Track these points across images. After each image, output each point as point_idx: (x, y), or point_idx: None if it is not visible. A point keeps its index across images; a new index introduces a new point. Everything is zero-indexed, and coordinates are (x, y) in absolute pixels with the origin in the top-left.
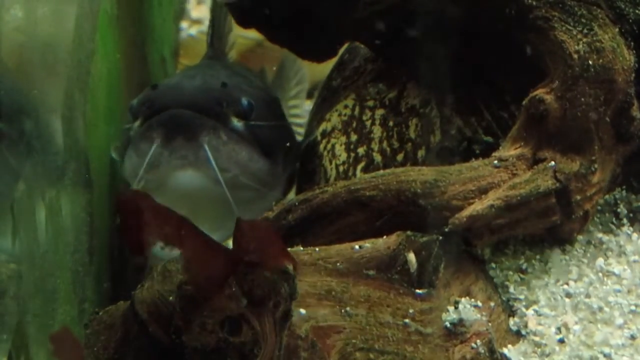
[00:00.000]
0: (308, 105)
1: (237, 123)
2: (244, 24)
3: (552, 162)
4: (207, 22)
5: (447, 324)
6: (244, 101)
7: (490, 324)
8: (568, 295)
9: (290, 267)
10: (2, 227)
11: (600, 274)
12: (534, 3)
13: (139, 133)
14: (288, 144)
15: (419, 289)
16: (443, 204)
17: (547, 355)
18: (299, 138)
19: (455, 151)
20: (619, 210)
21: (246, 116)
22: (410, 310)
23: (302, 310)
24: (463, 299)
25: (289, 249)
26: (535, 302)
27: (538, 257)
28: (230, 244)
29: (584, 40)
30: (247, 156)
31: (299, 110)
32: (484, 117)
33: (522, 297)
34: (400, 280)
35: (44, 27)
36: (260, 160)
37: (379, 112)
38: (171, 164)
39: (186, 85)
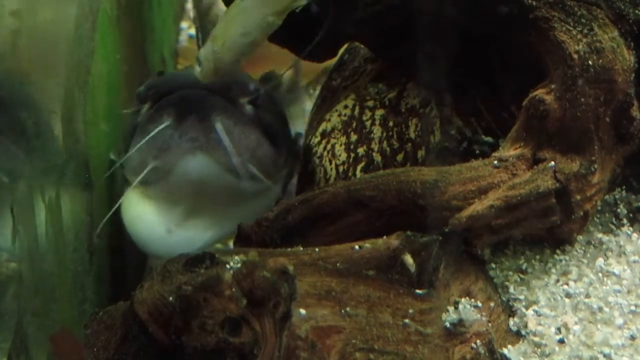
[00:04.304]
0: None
1: (246, 105)
2: None
3: (552, 163)
4: None
5: (447, 324)
6: (252, 86)
7: (490, 324)
8: (568, 295)
9: (291, 267)
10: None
11: (600, 274)
12: (534, 3)
13: (147, 115)
14: (289, 138)
15: (419, 289)
16: (443, 204)
17: (547, 356)
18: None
19: (455, 151)
20: (619, 210)
21: (253, 101)
22: (410, 311)
23: (302, 311)
24: (463, 299)
25: (289, 249)
26: (535, 302)
27: (538, 257)
28: (231, 244)
29: (584, 40)
30: (255, 140)
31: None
32: (484, 117)
33: (522, 297)
34: (400, 281)
35: (44, 26)
36: (266, 146)
37: (379, 112)
38: (181, 147)
39: (192, 72)
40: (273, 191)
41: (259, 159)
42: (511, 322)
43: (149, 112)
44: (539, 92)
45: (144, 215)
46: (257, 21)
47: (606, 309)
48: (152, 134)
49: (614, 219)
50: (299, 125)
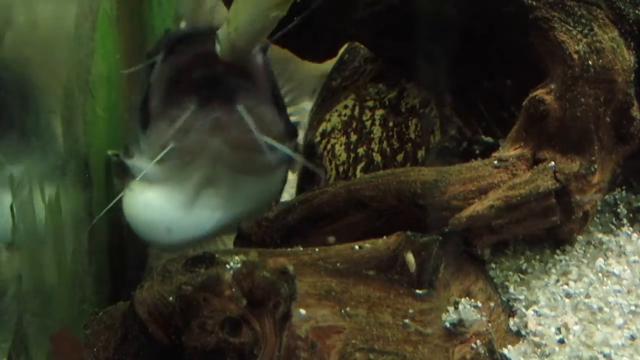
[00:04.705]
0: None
1: (258, 54)
2: None
3: (552, 163)
4: None
5: (447, 324)
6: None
7: (490, 324)
8: (568, 295)
9: (291, 267)
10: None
11: (600, 274)
12: (534, 3)
13: (166, 97)
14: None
15: (419, 289)
16: (443, 204)
17: (547, 356)
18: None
19: (455, 151)
20: (619, 210)
21: (264, 49)
22: (410, 311)
23: (302, 311)
24: (463, 299)
25: (289, 249)
26: (535, 302)
27: (538, 257)
28: (230, 244)
29: (584, 40)
30: (271, 118)
31: None
32: (484, 117)
33: (522, 297)
34: (400, 281)
35: (44, 26)
36: (280, 123)
37: (379, 113)
38: (204, 128)
39: (199, 28)
40: (277, 174)
41: (274, 136)
42: (511, 322)
43: (171, 95)
44: (539, 92)
45: (152, 201)
46: (261, 10)
47: (606, 309)
48: (177, 124)
49: (614, 219)
50: None
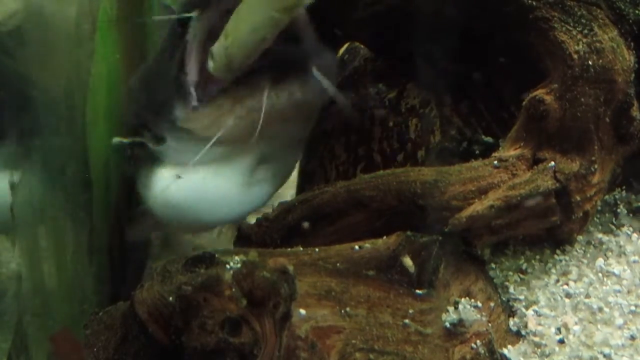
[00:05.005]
0: None
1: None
2: None
3: (552, 163)
4: None
5: (447, 324)
6: None
7: (490, 324)
8: (568, 295)
9: (291, 267)
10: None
11: (600, 274)
12: (534, 3)
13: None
14: None
15: (419, 289)
16: (443, 204)
17: (547, 356)
18: None
19: (455, 151)
20: (619, 210)
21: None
22: (410, 311)
23: (302, 311)
24: (463, 300)
25: (289, 249)
26: (535, 302)
27: (538, 257)
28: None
29: (584, 40)
30: (335, 77)
31: None
32: (484, 117)
33: (522, 297)
34: (400, 281)
35: (44, 26)
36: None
37: (379, 112)
38: (276, 106)
39: None
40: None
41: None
42: (511, 322)
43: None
44: (539, 92)
45: (202, 182)
46: (264, 18)
47: (606, 309)
48: (263, 105)
49: (614, 219)
50: None
